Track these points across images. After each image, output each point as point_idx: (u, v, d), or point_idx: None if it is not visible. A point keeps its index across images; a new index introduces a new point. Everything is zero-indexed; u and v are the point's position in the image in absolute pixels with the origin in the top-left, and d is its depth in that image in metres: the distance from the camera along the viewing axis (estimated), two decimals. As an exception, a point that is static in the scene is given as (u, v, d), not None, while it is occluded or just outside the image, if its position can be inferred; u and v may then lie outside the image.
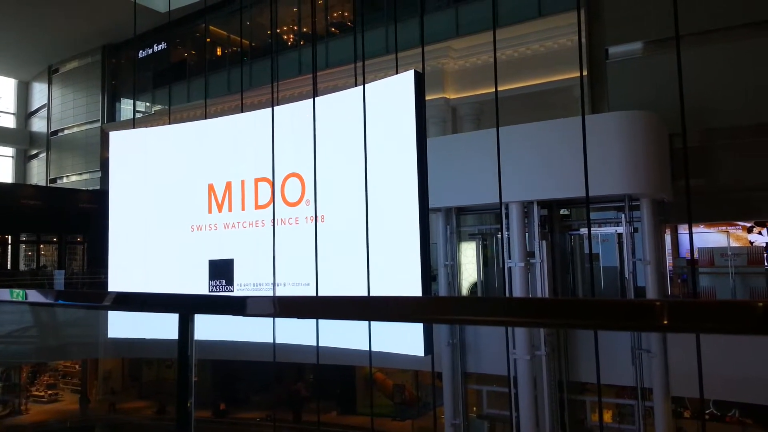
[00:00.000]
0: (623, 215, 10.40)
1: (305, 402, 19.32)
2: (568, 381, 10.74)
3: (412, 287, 7.23)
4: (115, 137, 11.12)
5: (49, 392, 22.97)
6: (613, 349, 9.95)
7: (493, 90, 7.43)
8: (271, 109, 9.14)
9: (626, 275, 10.38)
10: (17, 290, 2.07)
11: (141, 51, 28.17)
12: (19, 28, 27.38)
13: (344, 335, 8.10)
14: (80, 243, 26.92)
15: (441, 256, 11.71)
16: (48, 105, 33.24)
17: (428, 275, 7.33)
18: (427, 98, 7.97)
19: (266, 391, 19.17)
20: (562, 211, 11.90)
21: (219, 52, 26.62)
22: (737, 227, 16.88)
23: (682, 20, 5.42)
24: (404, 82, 7.66)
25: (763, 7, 12.53)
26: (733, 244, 15.69)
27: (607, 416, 12.05)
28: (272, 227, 8.87)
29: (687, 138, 5.88)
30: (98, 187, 27.84)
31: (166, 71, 27.45)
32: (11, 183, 33.80)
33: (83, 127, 31.28)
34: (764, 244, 16.00)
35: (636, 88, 13.79)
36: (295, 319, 8.34)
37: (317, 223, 8.42)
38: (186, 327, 1.40)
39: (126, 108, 30.19)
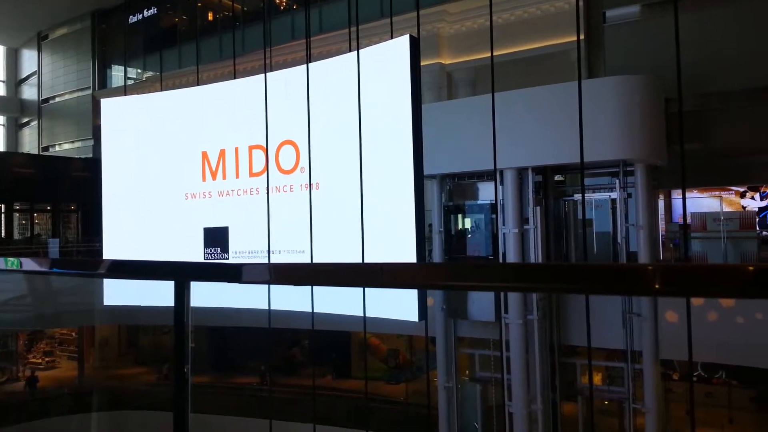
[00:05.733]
0: (617, 181, 10.42)
1: (301, 367, 19.58)
2: (559, 344, 10.90)
3: (407, 253, 7.27)
4: (107, 105, 10.99)
5: (46, 359, 23.17)
6: (604, 313, 10.08)
7: (489, 55, 7.35)
8: (264, 75, 9.03)
9: (619, 240, 10.45)
10: (12, 259, 2.07)
11: (131, 16, 27.62)
12: (5, -8, 26.79)
13: (339, 301, 8.16)
14: (74, 211, 26.82)
15: (436, 224, 11.74)
16: (38, 72, 32.72)
17: (423, 242, 7.37)
18: (422, 63, 7.89)
19: (262, 356, 19.40)
20: (556, 177, 11.91)
21: (210, 17, 26.16)
22: (730, 192, 16.97)
23: (679, -17, 5.35)
24: (399, 47, 7.57)
25: (762, -30, 12.35)
26: (726, 208, 15.78)
27: (597, 379, 12.27)
28: (266, 195, 8.86)
29: (683, 102, 5.86)
30: (91, 155, 27.62)
31: (157, 37, 26.97)
32: (3, 151, 33.48)
33: (74, 95, 30.87)
34: (756, 209, 16.11)
35: (633, 52, 13.66)
36: (290, 286, 8.39)
37: (312, 191, 8.41)
38: (182, 294, 1.41)
39: (117, 75, 29.75)
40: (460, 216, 12.06)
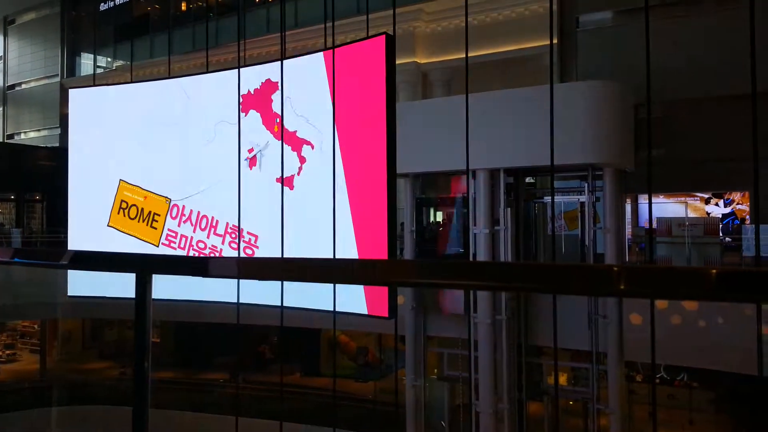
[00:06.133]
0: (586, 184, 10.56)
1: (269, 364, 19.45)
2: (526, 345, 11.02)
3: (379, 251, 7.27)
4: (75, 95, 10.78)
5: (7, 352, 22.62)
6: (571, 315, 10.21)
7: (464, 55, 7.40)
8: (237, 69, 8.94)
9: (587, 243, 10.60)
10: (-31, 247, 2.00)
11: (102, 3, 27.07)
12: (-30, -27, 26.02)
13: (309, 296, 8.13)
14: (39, 201, 26.20)
15: (408, 222, 11.75)
16: (4, 58, 31.85)
17: (395, 239, 7.37)
18: (397, 62, 7.89)
19: (229, 352, 19.22)
20: (527, 180, 12.02)
21: (183, 7, 25.77)
22: (695, 198, 17.34)
23: (651, -9, 5.44)
24: (375, 46, 7.55)
25: (731, -19, 12.63)
26: (691, 214, 16.13)
27: (563, 379, 12.44)
28: (238, 189, 8.77)
29: (652, 108, 5.96)
30: (57, 144, 26.99)
31: (128, 25, 26.46)
32: (-35, 138, 32.51)
33: (41, 82, 30.12)
34: (720, 216, 16.50)
35: (605, 57, 13.88)
36: (259, 281, 8.32)
37: (284, 186, 8.35)
38: (144, 287, 1.38)
39: (86, 63, 29.12)
40: (432, 210, 12.13)
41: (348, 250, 7.47)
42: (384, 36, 7.40)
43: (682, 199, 17.11)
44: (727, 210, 17.12)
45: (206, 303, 9.82)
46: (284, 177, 8.36)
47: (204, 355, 20.17)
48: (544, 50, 16.21)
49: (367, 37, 7.60)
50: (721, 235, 12.96)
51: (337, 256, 7.40)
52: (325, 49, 8.22)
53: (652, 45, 5.38)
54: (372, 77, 7.51)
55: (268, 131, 8.71)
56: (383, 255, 7.21)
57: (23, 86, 31.21)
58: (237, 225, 8.86)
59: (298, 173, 8.38)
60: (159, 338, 21.10)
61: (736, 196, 16.79)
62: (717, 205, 17.24)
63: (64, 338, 22.97)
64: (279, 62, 8.43)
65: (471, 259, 10.67)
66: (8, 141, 30.90)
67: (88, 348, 23.40)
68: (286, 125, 8.23)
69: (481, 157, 10.08)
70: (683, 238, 11.74)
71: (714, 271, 0.92)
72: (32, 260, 2.16)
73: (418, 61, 19.10)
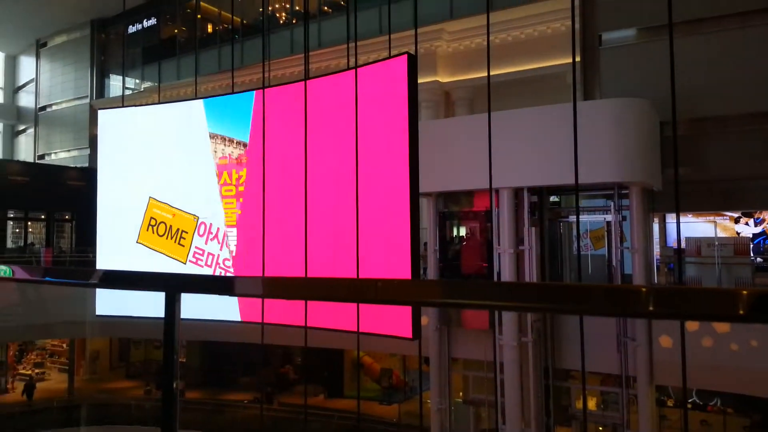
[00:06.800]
0: (612, 203, 10.43)
1: (293, 385, 19.41)
2: (553, 368, 10.83)
3: (402, 270, 7.24)
4: (104, 115, 11.02)
5: (36, 371, 22.93)
6: (599, 337, 10.04)
7: (486, 74, 7.41)
8: (262, 90, 9.07)
9: (614, 263, 10.44)
10: (3, 267, 2.04)
11: (130, 26, 27.80)
12: (6, 0, 26.90)
13: (333, 317, 8.12)
14: (68, 221, 26.71)
15: (431, 242, 11.71)
16: (36, 80, 32.75)
17: (418, 258, 7.34)
18: (419, 81, 7.94)
19: (253, 373, 19.24)
20: (551, 198, 11.92)
21: (210, 29, 26.31)
22: (725, 217, 17.02)
23: (674, 7, 5.41)
24: (397, 65, 7.61)
25: (755, -3, 12.50)
26: (720, 234, 15.82)
27: (591, 403, 12.18)
28: (262, 209, 8.84)
29: (678, 126, 5.89)
30: (87, 165, 27.57)
31: (155, 47, 27.11)
32: (-2, 159, 33.37)
33: (72, 103, 30.90)
34: (750, 235, 16.15)
35: (629, 75, 13.77)
36: (284, 301, 8.35)
37: (308, 206, 8.40)
38: (172, 307, 1.39)
39: (115, 84, 29.83)
40: (455, 225, 12.06)
41: (371, 270, 7.46)
42: (406, 55, 7.45)
43: (711, 218, 16.81)
44: (758, 229, 16.76)
45: (229, 323, 9.87)
46: (307, 196, 8.42)
47: (227, 375, 20.21)
48: (566, 68, 16.16)
49: (390, 57, 7.66)
50: (752, 255, 12.67)
51: (360, 276, 7.39)
52: (347, 68, 8.30)
53: (676, 62, 5.34)
54: (394, 96, 7.55)
55: (293, 150, 8.79)
56: (407, 274, 7.19)
57: (54, 107, 32.02)
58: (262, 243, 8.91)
59: (320, 193, 8.43)
60: (184, 358, 21.24)
61: (767, 215, 16.44)
62: (747, 224, 16.89)
63: (92, 357, 23.23)
64: (302, 84, 8.54)
65: (495, 279, 10.57)
66: (39, 161, 31.66)
67: (115, 367, 23.63)
68: (309, 144, 8.31)
69: (505, 176, 10.03)
70: (713, 259, 11.51)
71: (746, 292, 0.90)
72: (62, 279, 2.20)
73: (441, 80, 19.19)
